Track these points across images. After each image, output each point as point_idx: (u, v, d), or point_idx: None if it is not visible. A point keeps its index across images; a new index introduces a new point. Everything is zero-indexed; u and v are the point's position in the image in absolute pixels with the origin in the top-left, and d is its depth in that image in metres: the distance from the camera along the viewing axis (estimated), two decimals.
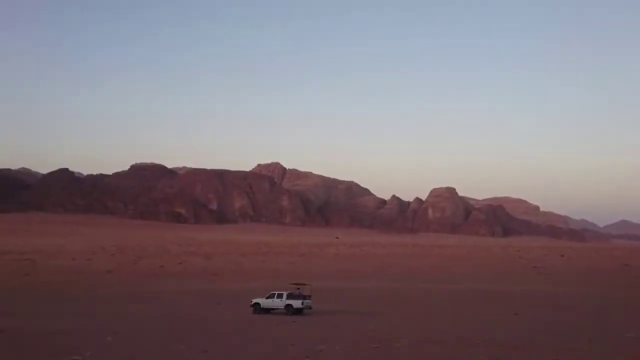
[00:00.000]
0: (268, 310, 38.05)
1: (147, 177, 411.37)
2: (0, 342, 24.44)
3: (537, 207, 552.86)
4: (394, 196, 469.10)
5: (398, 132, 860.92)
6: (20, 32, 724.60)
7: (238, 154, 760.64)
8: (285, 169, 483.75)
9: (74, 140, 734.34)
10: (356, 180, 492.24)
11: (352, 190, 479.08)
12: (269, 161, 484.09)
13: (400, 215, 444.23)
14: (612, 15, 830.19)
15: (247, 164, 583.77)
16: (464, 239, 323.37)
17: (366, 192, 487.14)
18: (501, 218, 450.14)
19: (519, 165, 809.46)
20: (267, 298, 38.80)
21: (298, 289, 39.93)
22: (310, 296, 39.06)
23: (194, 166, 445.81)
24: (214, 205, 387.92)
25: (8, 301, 44.99)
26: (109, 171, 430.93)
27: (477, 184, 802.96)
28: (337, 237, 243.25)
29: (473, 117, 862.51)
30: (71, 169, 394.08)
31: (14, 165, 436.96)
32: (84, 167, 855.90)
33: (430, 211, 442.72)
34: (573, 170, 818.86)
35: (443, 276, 75.23)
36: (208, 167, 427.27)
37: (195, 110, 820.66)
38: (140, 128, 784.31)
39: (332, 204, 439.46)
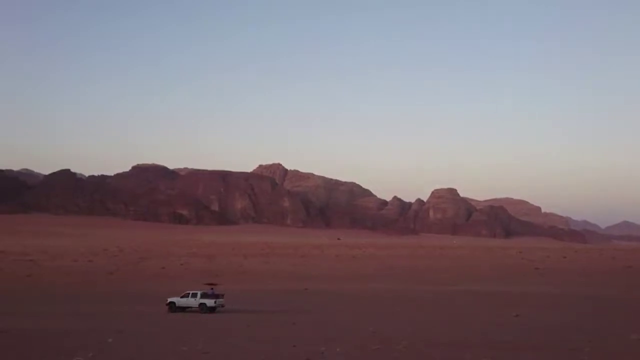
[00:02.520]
0: (183, 309, 39.37)
1: (148, 178, 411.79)
2: (3, 342, 24.49)
3: (539, 208, 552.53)
4: (395, 197, 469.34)
5: (399, 132, 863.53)
6: (21, 32, 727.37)
7: (239, 155, 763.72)
8: (286, 170, 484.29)
9: (75, 141, 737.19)
10: (357, 182, 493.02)
11: (354, 192, 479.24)
12: (270, 162, 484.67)
13: (402, 216, 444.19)
14: (613, 16, 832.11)
15: (248, 165, 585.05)
16: (465, 240, 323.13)
17: (367, 193, 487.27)
18: (502, 219, 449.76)
19: (521, 166, 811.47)
20: (181, 297, 40.14)
21: (212, 288, 41.53)
22: (223, 295, 40.62)
23: (195, 167, 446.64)
24: (215, 207, 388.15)
25: (10, 301, 45.08)
26: (111, 172, 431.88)
27: (479, 185, 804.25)
28: (338, 239, 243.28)
29: (474, 117, 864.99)
30: (72, 170, 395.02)
31: (16, 166, 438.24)
32: (86, 168, 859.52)
33: (431, 212, 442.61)
34: (574, 172, 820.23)
35: (444, 278, 75.17)
36: (209, 168, 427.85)
37: (197, 111, 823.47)
38: (142, 129, 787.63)
39: (333, 205, 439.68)
